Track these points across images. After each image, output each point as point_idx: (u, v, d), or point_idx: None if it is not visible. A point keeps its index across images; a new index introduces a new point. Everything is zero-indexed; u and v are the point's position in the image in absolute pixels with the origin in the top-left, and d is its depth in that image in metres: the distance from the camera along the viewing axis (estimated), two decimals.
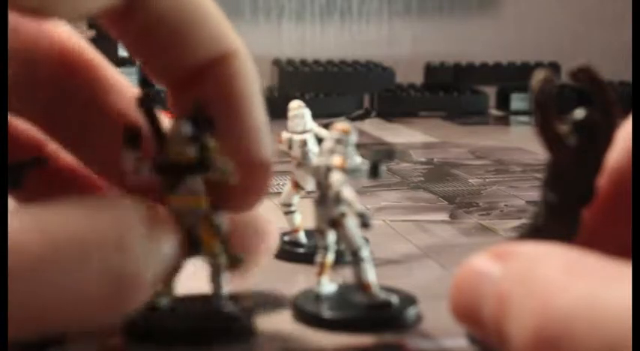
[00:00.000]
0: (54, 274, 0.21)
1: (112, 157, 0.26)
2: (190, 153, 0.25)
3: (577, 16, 1.22)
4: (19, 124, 0.29)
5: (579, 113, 0.24)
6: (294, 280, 0.36)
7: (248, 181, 0.27)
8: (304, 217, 0.39)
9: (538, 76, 0.24)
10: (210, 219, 0.26)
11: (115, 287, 0.22)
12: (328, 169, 0.29)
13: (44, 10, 0.22)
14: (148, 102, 0.25)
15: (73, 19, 0.25)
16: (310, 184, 0.39)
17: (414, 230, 0.45)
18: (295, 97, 0.42)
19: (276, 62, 0.97)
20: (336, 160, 0.29)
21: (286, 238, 0.40)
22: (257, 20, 1.15)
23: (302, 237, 0.40)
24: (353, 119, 0.40)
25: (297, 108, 0.38)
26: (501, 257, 0.21)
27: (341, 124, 0.30)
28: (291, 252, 0.39)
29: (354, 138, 0.30)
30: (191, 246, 0.26)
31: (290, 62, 0.97)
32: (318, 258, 0.31)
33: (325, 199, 0.30)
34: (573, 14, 1.22)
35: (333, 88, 0.93)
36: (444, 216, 0.48)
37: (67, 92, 0.28)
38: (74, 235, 0.21)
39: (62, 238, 0.21)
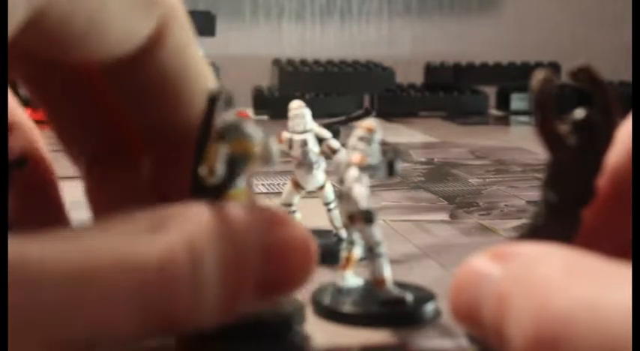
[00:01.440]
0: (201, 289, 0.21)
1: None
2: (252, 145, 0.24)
3: (577, 16, 1.22)
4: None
5: (579, 113, 0.24)
6: None
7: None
8: (304, 217, 0.40)
9: (538, 76, 0.24)
10: None
11: None
12: (347, 165, 0.30)
13: (78, 48, 0.23)
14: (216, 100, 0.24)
15: (95, 61, 0.25)
16: (310, 184, 0.39)
17: (414, 230, 0.45)
18: (295, 97, 0.42)
19: (276, 62, 0.97)
20: (355, 156, 0.30)
21: None
22: (257, 20, 1.15)
23: None
24: (353, 119, 0.40)
25: (298, 108, 0.38)
26: (501, 257, 0.21)
27: (367, 122, 0.31)
28: None
29: (379, 136, 0.30)
30: None
31: (290, 62, 0.97)
32: (344, 253, 0.32)
33: (344, 194, 0.30)
34: (573, 14, 1.22)
35: (333, 88, 0.93)
36: (444, 216, 0.48)
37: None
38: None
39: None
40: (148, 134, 0.27)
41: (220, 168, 0.23)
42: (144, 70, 0.25)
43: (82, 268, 0.19)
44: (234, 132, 0.23)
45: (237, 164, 0.23)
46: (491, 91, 1.00)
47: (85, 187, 0.28)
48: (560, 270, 0.19)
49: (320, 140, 0.38)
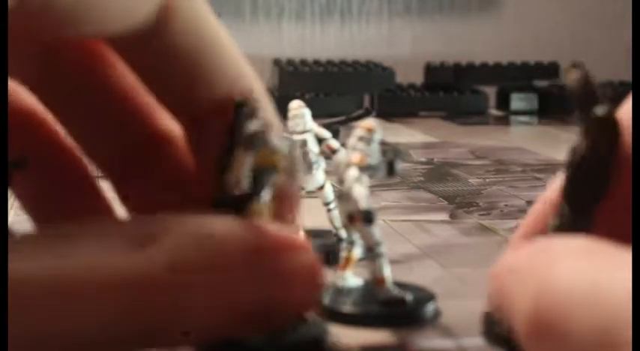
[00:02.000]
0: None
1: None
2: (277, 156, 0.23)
3: (577, 16, 1.22)
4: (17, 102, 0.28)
5: (600, 109, 0.24)
6: None
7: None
8: (304, 217, 0.39)
9: (573, 75, 0.24)
10: None
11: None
12: (347, 165, 0.30)
13: (68, 26, 0.22)
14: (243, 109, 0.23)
15: (96, 38, 0.25)
16: (309, 184, 0.39)
17: (414, 230, 0.45)
18: (295, 97, 0.42)
19: (276, 62, 0.97)
20: (354, 156, 0.30)
21: None
22: (257, 20, 1.15)
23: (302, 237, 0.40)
24: (353, 119, 0.40)
25: (297, 108, 0.38)
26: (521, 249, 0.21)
27: (367, 122, 0.31)
28: None
29: (378, 136, 0.30)
30: None
31: (290, 62, 0.97)
32: (344, 253, 0.32)
33: (344, 194, 0.30)
34: (573, 14, 1.22)
35: (333, 88, 0.93)
36: (444, 216, 0.48)
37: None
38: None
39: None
40: (176, 111, 0.26)
41: (246, 179, 0.22)
42: (159, 46, 0.24)
43: (62, 282, 0.20)
44: (261, 142, 0.22)
45: (262, 176, 0.23)
46: (491, 91, 1.00)
47: (114, 190, 0.28)
48: (563, 252, 0.19)
49: (320, 140, 0.38)
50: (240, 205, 0.22)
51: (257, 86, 0.25)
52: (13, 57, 0.22)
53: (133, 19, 0.23)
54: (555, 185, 0.26)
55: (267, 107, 0.25)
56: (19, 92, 0.28)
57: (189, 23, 0.24)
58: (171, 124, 0.27)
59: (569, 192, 0.25)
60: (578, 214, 0.25)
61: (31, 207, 0.29)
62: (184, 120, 0.26)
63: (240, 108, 0.23)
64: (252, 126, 0.23)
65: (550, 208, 0.26)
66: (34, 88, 0.27)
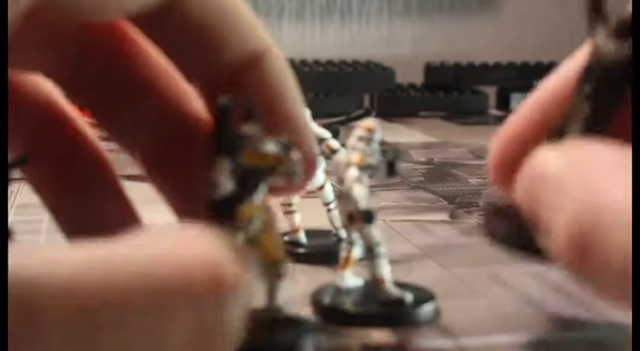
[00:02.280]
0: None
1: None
2: (269, 157, 0.23)
3: (577, 16, 1.22)
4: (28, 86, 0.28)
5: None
6: (293, 280, 0.36)
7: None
8: (304, 217, 0.40)
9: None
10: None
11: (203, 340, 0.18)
12: (347, 165, 0.30)
13: (84, 10, 0.22)
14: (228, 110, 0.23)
15: (111, 19, 0.25)
16: (311, 184, 0.39)
17: (414, 230, 0.45)
18: None
19: None
20: (354, 156, 0.30)
21: (286, 238, 0.40)
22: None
23: (302, 237, 0.40)
24: (353, 119, 0.40)
25: None
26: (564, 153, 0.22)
27: (366, 122, 0.31)
28: (290, 252, 0.39)
29: (378, 136, 0.31)
30: None
31: (290, 62, 0.96)
32: (343, 253, 0.32)
33: (344, 194, 0.30)
34: (573, 14, 1.22)
35: (333, 88, 0.93)
36: (444, 216, 0.48)
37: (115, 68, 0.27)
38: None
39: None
40: (196, 78, 0.26)
41: (226, 182, 0.22)
42: (177, 17, 0.25)
43: (103, 296, 0.17)
44: (246, 145, 0.22)
45: (251, 179, 0.22)
46: (491, 91, 1.00)
47: (148, 178, 0.28)
48: (603, 164, 0.20)
49: (320, 140, 0.38)
50: (227, 208, 0.22)
51: (270, 44, 0.26)
52: (37, 50, 0.22)
53: None
54: (560, 82, 0.26)
55: (285, 68, 0.27)
56: (45, 88, 0.28)
57: None
58: (198, 105, 0.27)
59: (594, 91, 0.25)
60: (598, 114, 0.25)
61: (53, 206, 0.29)
62: (204, 86, 0.26)
63: (225, 109, 0.23)
64: (244, 128, 0.22)
65: (553, 103, 0.26)
66: (60, 79, 0.27)
